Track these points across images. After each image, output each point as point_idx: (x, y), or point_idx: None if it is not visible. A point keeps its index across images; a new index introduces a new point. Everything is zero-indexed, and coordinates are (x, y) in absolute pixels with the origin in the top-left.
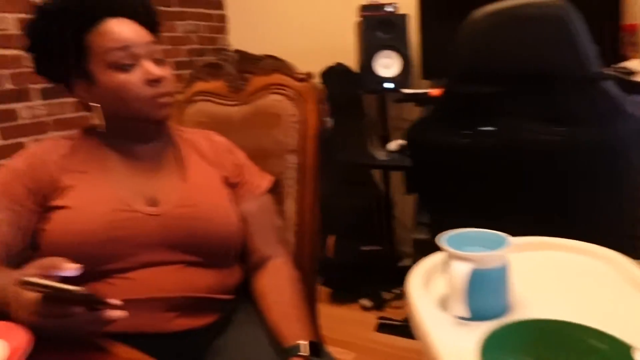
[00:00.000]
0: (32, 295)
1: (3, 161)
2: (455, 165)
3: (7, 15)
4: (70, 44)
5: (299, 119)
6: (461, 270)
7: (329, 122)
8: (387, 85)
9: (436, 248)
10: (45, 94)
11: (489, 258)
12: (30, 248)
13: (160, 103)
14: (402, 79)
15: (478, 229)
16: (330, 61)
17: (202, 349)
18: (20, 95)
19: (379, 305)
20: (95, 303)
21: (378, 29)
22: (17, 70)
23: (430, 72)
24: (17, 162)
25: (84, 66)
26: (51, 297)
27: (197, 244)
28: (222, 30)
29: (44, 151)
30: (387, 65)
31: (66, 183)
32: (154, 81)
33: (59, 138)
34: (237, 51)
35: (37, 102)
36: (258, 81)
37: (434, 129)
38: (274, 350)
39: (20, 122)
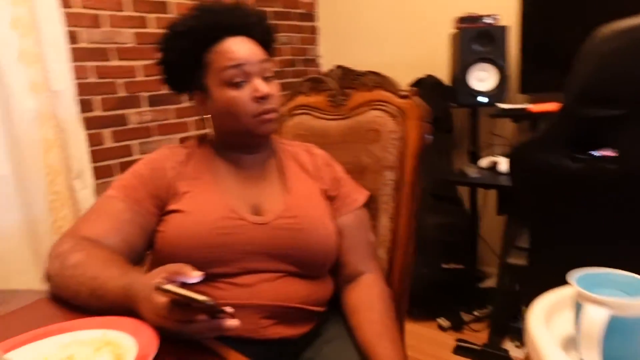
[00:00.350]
0: (162, 299)
1: (112, 161)
2: (568, 190)
3: (124, 30)
4: (192, 59)
5: (399, 136)
6: (597, 316)
7: (430, 139)
8: (481, 99)
9: (533, 276)
10: (152, 102)
11: (631, 305)
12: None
13: (265, 119)
14: (497, 93)
15: (612, 270)
16: (420, 73)
17: (291, 358)
18: (132, 102)
19: (457, 326)
20: (217, 312)
21: (475, 41)
22: (130, 80)
23: (528, 87)
24: (140, 167)
25: (202, 80)
26: (180, 304)
27: (297, 255)
28: (313, 41)
29: (163, 158)
30: (482, 78)
31: (182, 189)
32: (261, 98)
33: (175, 146)
34: (340, 67)
35: (145, 109)
36: (359, 97)
37: (545, 150)
38: None
39: (129, 126)
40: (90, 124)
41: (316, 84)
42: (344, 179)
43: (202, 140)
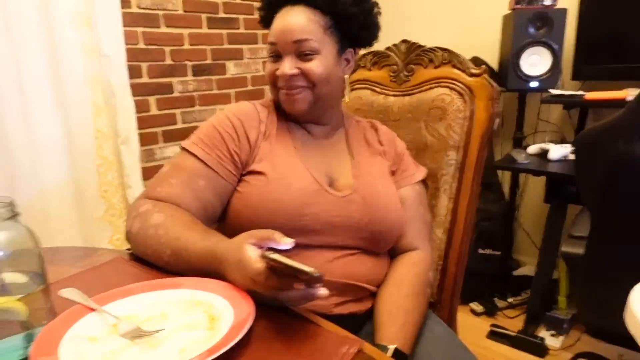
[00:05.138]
0: (260, 265)
1: (156, 129)
2: (638, 179)
3: None
4: (266, 21)
5: (466, 115)
6: None
7: (498, 122)
8: (532, 84)
9: (591, 265)
10: (196, 71)
11: None
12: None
13: (286, 97)
14: (550, 79)
15: None
16: (466, 55)
17: (354, 332)
18: (177, 70)
19: (490, 311)
20: (315, 282)
21: (530, 24)
22: (177, 48)
23: (581, 74)
24: (221, 121)
25: None
26: (278, 271)
27: (371, 229)
28: None
29: (246, 115)
30: (534, 63)
31: (264, 150)
32: (280, 77)
33: (255, 103)
34: (405, 41)
35: (189, 78)
36: (425, 73)
37: (617, 136)
38: None
39: (174, 95)
40: (137, 90)
41: (379, 58)
42: (405, 154)
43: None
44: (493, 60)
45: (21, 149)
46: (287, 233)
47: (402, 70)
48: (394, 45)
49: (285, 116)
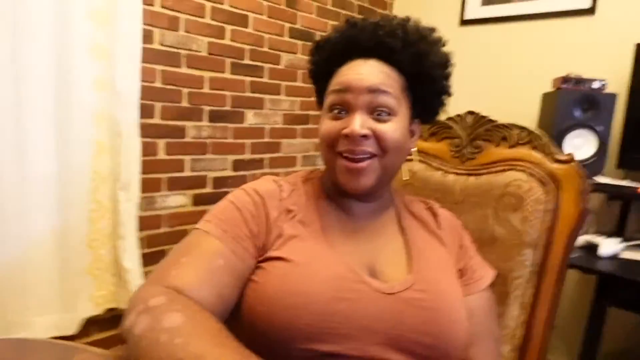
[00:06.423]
0: None
1: (162, 175)
2: None
3: (199, 37)
4: (323, 76)
5: (547, 208)
6: None
7: (590, 219)
8: None
9: None
10: (212, 117)
11: None
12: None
13: (348, 167)
14: (594, 164)
15: None
16: None
17: None
18: (192, 114)
19: None
20: None
21: (576, 105)
22: (196, 90)
23: (627, 162)
24: (240, 198)
25: (324, 100)
26: None
27: (427, 342)
28: None
29: (268, 193)
30: (577, 146)
31: (286, 233)
32: (347, 137)
33: (279, 179)
34: (472, 113)
35: (204, 123)
36: (495, 152)
37: None
38: None
39: (186, 139)
40: (146, 131)
41: (438, 128)
42: (471, 248)
43: (309, 175)
44: None
45: (10, 185)
46: (311, 337)
47: (467, 145)
48: (458, 116)
49: (317, 193)
